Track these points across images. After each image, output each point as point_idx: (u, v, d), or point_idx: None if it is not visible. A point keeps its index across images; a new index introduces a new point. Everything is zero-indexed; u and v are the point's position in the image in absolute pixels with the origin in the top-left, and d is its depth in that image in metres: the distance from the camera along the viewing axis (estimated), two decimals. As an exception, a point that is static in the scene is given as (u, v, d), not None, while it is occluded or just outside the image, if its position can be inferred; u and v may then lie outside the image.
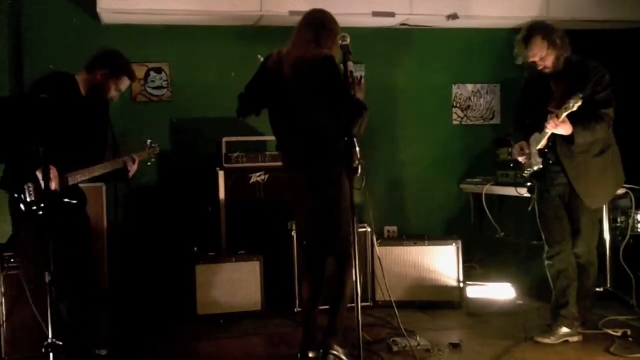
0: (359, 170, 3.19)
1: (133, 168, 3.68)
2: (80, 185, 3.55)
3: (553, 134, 3.71)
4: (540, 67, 3.81)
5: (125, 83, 3.65)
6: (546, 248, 3.99)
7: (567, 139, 3.71)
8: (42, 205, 3.21)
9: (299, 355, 3.57)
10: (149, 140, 3.93)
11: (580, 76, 3.75)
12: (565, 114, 3.57)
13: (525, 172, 4.01)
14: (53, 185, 3.26)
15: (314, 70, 3.36)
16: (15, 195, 3.29)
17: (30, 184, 3.25)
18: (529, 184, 4.06)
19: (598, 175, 3.85)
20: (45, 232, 2.98)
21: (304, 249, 3.72)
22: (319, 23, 3.50)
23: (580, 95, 3.53)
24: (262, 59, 3.84)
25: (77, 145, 3.44)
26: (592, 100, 3.66)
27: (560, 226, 3.93)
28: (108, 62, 3.56)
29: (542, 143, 3.79)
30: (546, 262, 4.00)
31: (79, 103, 3.49)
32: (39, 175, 3.18)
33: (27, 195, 3.26)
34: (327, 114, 3.33)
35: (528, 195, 4.14)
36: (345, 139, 3.10)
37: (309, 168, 3.50)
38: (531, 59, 3.79)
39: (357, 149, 3.07)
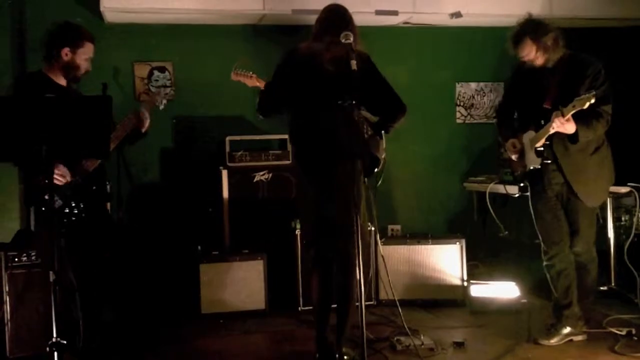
0: (381, 166, 3.19)
1: (146, 122, 3.62)
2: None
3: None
4: (532, 63, 3.73)
5: (89, 47, 3.53)
6: (544, 249, 3.93)
7: (570, 138, 3.61)
8: (70, 207, 3.28)
9: (317, 355, 3.50)
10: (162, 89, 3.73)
11: (577, 71, 3.66)
12: (572, 112, 3.45)
13: (518, 171, 3.95)
14: (64, 180, 3.27)
15: (362, 66, 3.30)
16: (43, 209, 3.30)
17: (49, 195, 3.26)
18: (521, 184, 3.99)
19: (595, 174, 3.78)
20: (55, 231, 2.99)
21: (314, 246, 3.58)
22: (352, 24, 3.57)
23: (594, 93, 3.40)
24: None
25: (77, 141, 3.37)
26: None
27: (558, 227, 3.85)
28: (65, 38, 3.45)
29: (541, 142, 3.69)
30: (545, 263, 3.93)
31: (60, 94, 3.37)
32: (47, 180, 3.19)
33: (52, 204, 3.21)
34: (367, 108, 3.29)
35: (519, 194, 4.09)
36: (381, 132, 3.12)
37: (334, 161, 3.40)
38: (521, 58, 3.74)
39: (384, 143, 3.07)
